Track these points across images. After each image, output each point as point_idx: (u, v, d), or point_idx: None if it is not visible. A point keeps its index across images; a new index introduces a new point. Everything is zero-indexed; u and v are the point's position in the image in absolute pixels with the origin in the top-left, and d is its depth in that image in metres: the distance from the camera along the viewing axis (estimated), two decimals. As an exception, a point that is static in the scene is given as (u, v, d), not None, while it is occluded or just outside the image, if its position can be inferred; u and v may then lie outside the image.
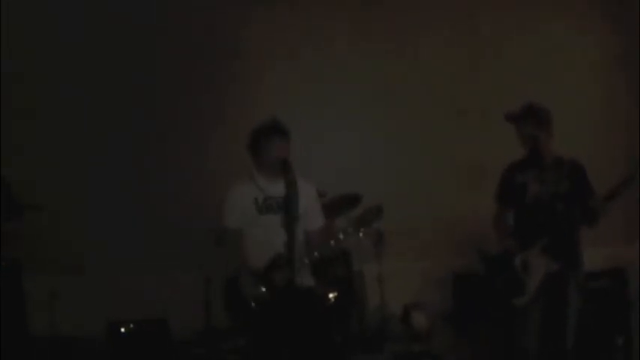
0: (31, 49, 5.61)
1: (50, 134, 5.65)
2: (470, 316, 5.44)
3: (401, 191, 5.78)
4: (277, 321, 3.50)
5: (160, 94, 5.73)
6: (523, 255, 3.72)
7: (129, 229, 5.55)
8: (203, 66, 5.79)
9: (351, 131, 5.96)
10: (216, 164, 5.57)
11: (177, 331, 5.09)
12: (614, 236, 5.46)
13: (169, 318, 5.06)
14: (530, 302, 3.70)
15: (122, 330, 4.86)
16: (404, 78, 6.04)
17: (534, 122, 3.75)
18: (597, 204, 3.57)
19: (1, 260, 4.86)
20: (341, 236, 3.58)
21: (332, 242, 3.59)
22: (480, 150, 5.82)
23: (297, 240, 3.46)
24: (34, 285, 5.22)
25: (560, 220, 3.66)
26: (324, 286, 4.74)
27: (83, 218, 5.63)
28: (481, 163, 5.57)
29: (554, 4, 6.21)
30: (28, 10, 5.63)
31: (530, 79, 5.95)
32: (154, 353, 4.89)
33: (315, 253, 3.58)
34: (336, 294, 4.98)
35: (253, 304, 3.48)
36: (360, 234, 3.59)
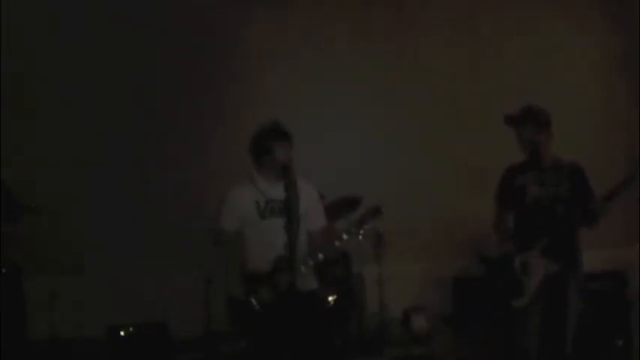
0: (31, 49, 5.61)
1: (50, 134, 5.65)
2: (470, 317, 5.44)
3: (401, 191, 5.77)
4: (278, 324, 3.49)
5: (160, 94, 5.74)
6: (523, 256, 3.72)
7: (129, 229, 5.56)
8: (203, 66, 5.80)
9: (351, 131, 5.96)
10: (216, 164, 5.57)
11: (176, 333, 5.08)
12: (614, 238, 5.45)
13: (169, 318, 5.07)
14: (529, 304, 3.69)
15: (122, 333, 4.86)
16: (404, 78, 6.04)
17: (534, 125, 3.72)
18: (597, 206, 3.56)
19: (1, 266, 4.86)
20: (344, 236, 3.51)
21: (336, 243, 3.52)
22: (480, 150, 5.81)
23: (299, 242, 3.45)
24: (33, 285, 5.23)
25: (559, 223, 3.65)
26: (325, 289, 4.71)
27: (83, 218, 5.63)
28: (481, 163, 5.53)
29: (554, 4, 6.22)
30: (28, 10, 5.62)
31: (530, 79, 5.95)
32: (153, 357, 4.89)
33: (320, 255, 3.52)
34: (335, 297, 4.98)
35: (256, 306, 3.48)
36: (360, 236, 3.53)
